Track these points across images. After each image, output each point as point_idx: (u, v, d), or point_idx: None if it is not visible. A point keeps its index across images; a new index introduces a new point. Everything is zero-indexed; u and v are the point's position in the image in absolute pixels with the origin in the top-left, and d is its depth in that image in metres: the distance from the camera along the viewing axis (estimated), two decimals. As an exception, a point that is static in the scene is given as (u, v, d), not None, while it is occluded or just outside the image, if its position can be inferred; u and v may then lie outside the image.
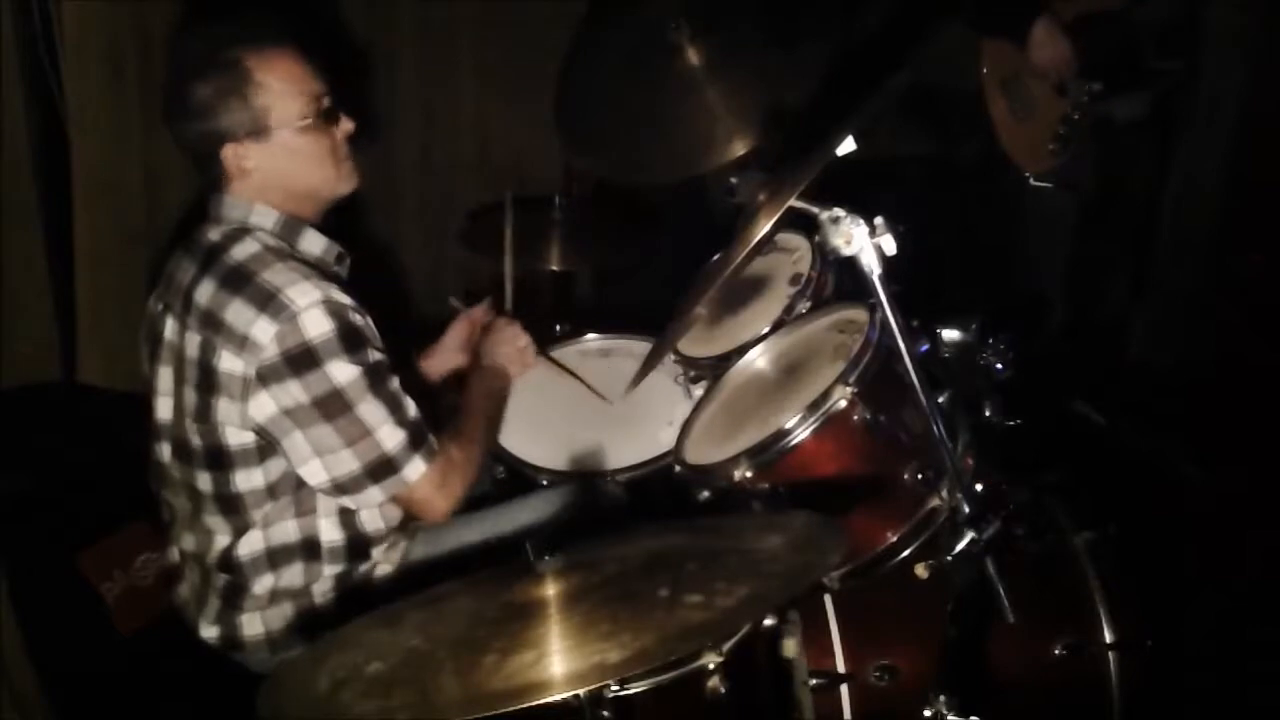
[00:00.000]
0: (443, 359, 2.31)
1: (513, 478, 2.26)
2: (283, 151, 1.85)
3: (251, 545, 1.90)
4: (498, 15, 3.18)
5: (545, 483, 2.21)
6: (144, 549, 2.23)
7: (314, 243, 1.93)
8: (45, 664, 2.19)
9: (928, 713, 1.71)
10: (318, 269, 1.85)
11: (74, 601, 2.20)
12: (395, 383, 1.85)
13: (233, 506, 1.87)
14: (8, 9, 2.35)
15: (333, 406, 1.78)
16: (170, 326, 1.88)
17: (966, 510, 1.71)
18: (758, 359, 2.09)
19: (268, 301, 1.76)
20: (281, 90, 1.83)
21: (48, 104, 2.45)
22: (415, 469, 1.85)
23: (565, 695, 1.21)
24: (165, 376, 1.89)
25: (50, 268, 2.51)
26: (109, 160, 2.52)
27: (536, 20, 3.21)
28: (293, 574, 1.92)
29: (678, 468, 1.95)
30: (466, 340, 2.31)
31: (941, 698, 1.70)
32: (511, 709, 1.18)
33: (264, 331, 1.75)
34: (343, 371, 1.77)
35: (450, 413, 2.04)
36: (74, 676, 2.17)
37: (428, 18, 3.09)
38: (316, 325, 1.76)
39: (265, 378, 1.76)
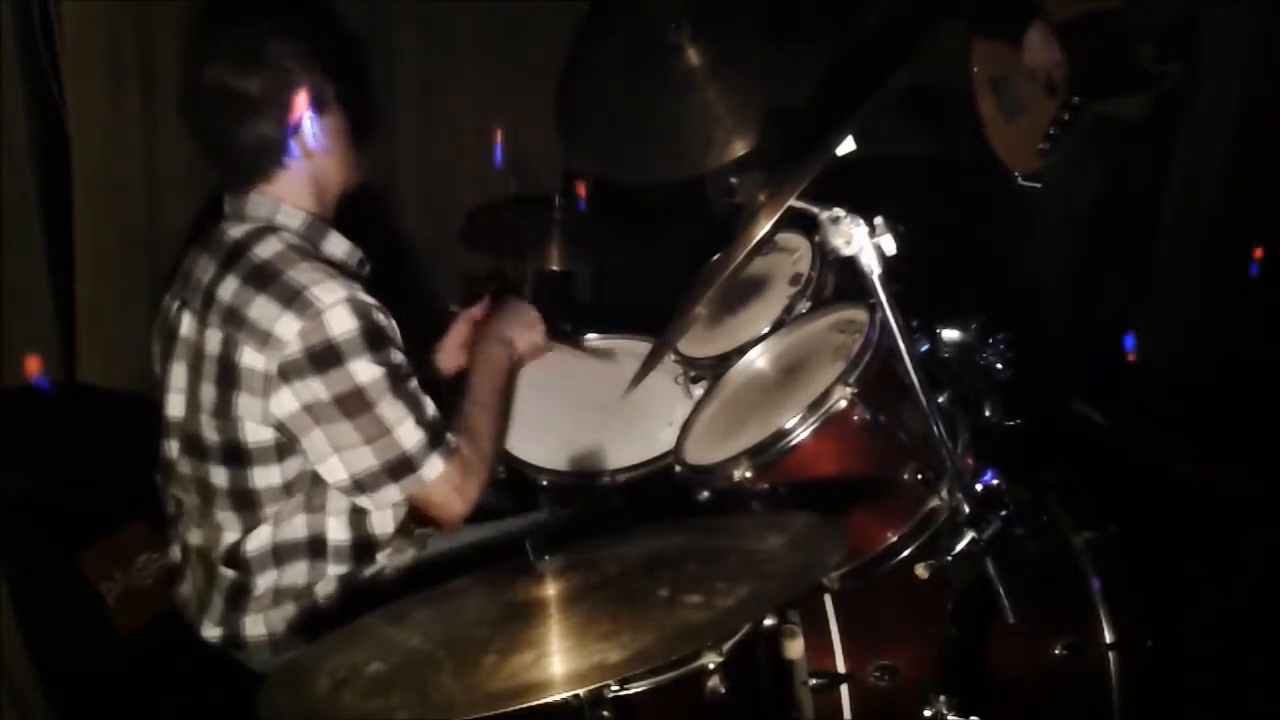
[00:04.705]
0: (446, 358, 2.30)
1: (513, 478, 2.26)
2: (324, 142, 1.88)
3: (260, 540, 1.90)
4: (498, 15, 3.18)
5: (545, 483, 2.21)
6: (144, 549, 2.23)
7: (337, 245, 1.94)
8: (45, 664, 2.19)
9: (928, 713, 1.71)
10: (341, 270, 1.86)
11: (74, 601, 2.20)
12: (415, 383, 1.86)
13: (247, 502, 1.88)
14: (8, 9, 2.35)
15: (353, 404, 1.78)
16: (187, 322, 1.88)
17: (966, 510, 1.72)
18: (758, 359, 2.09)
19: (293, 298, 1.77)
20: (316, 81, 1.86)
21: (48, 104, 2.45)
22: (433, 468, 1.85)
23: (565, 695, 1.21)
24: (179, 372, 1.90)
25: (50, 268, 2.51)
26: (109, 160, 2.52)
27: (537, 20, 3.21)
28: (297, 572, 1.92)
29: (678, 468, 1.94)
30: (469, 339, 2.29)
31: (941, 698, 1.70)
32: (511, 709, 1.18)
33: (288, 328, 1.75)
34: (365, 370, 1.78)
35: (456, 408, 2.01)
36: (74, 676, 2.17)
37: (428, 18, 3.09)
38: (341, 323, 1.76)
39: (287, 374, 1.77)
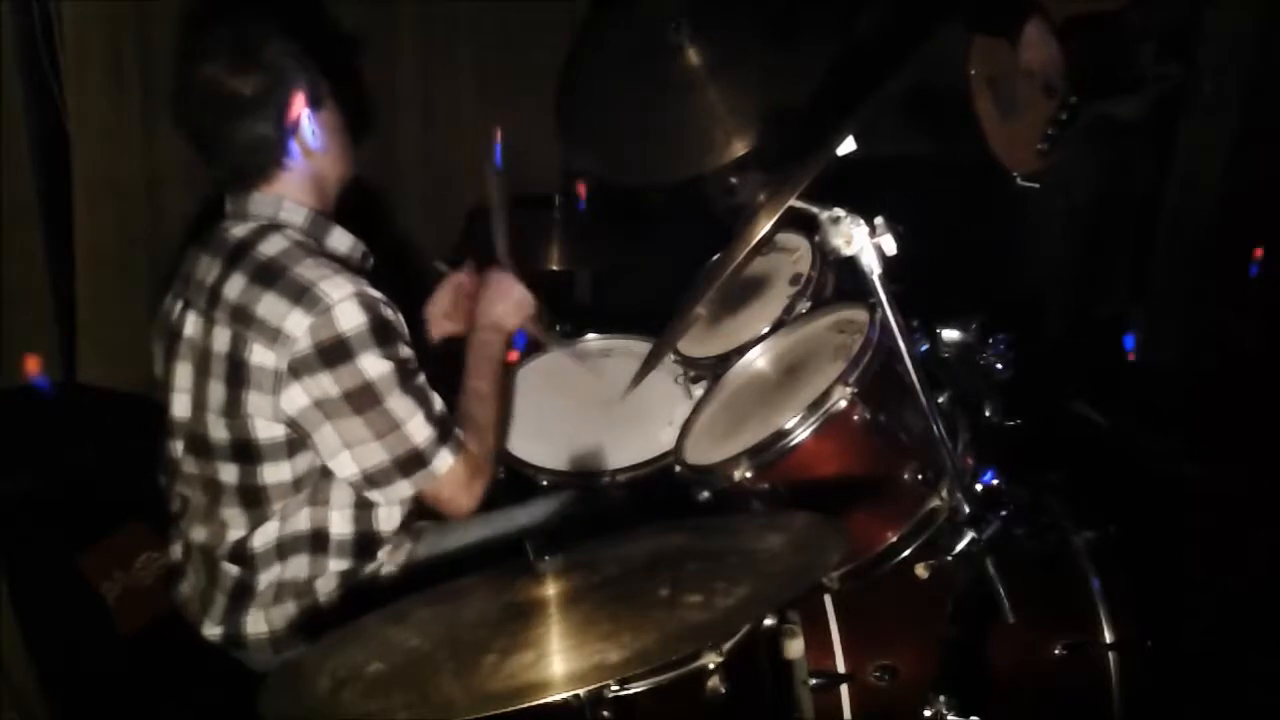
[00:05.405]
0: (431, 326, 2.25)
1: (513, 478, 2.26)
2: (321, 140, 1.89)
3: (265, 536, 1.90)
4: (498, 15, 3.18)
5: (545, 483, 2.21)
6: (144, 549, 2.23)
7: (341, 240, 1.95)
8: (45, 664, 2.19)
9: (928, 713, 1.71)
10: (345, 264, 1.87)
11: (74, 601, 2.20)
12: (423, 378, 1.87)
13: (256, 499, 1.88)
14: (8, 9, 2.36)
15: (363, 399, 1.78)
16: (192, 322, 1.88)
17: (966, 510, 1.72)
18: (758, 359, 2.09)
19: (301, 295, 1.77)
20: (312, 79, 1.87)
21: (48, 104, 2.45)
22: (444, 462, 1.85)
23: (565, 695, 1.21)
24: (183, 373, 1.90)
25: (50, 268, 2.51)
26: (109, 160, 2.52)
27: (536, 20, 3.21)
28: (298, 566, 1.93)
29: (678, 468, 1.95)
30: (453, 305, 2.24)
31: (941, 698, 1.70)
32: (511, 709, 1.18)
33: (297, 324, 1.76)
34: (374, 365, 1.78)
35: (456, 402, 1.99)
36: (74, 676, 2.17)
37: (428, 18, 3.09)
38: (349, 318, 1.77)
39: (297, 370, 1.77)
